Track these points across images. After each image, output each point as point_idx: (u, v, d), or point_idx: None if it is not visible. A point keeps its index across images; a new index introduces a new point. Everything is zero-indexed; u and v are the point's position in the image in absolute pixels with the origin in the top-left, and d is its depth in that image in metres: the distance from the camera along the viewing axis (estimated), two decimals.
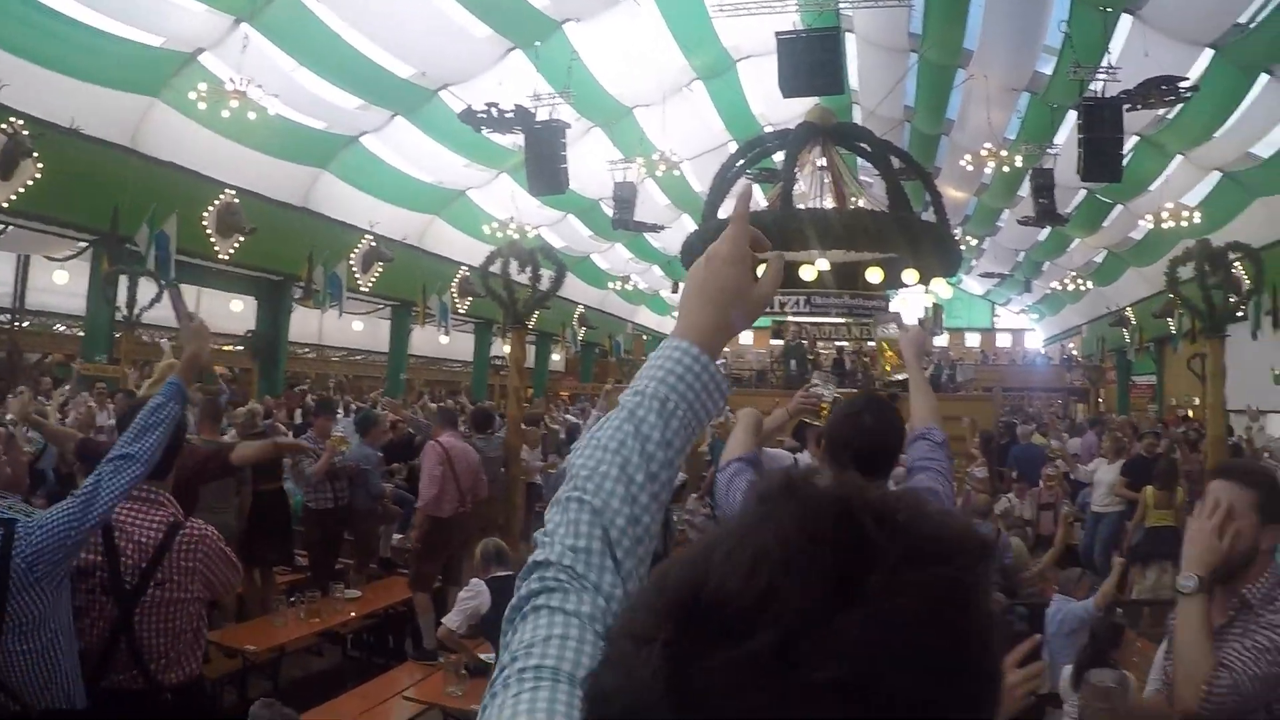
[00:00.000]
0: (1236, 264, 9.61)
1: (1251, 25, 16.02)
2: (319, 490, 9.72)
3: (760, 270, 1.49)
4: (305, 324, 23.50)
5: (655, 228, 25.20)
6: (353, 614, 8.55)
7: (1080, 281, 32.02)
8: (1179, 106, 17.27)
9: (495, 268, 10.49)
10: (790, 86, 15.85)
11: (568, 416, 18.57)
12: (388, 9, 15.94)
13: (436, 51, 17.49)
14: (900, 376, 15.11)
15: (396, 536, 11.54)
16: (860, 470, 3.26)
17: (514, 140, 18.53)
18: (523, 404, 11.06)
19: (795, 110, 15.68)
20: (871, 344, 22.23)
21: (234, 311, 20.61)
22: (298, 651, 8.34)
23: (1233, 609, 3.00)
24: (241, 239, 17.36)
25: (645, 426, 1.30)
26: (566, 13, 17.83)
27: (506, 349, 12.05)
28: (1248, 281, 10.76)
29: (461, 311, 25.09)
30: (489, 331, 26.81)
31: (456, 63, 18.06)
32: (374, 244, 21.23)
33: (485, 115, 16.83)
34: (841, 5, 17.79)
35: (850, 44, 20.57)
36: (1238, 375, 18.37)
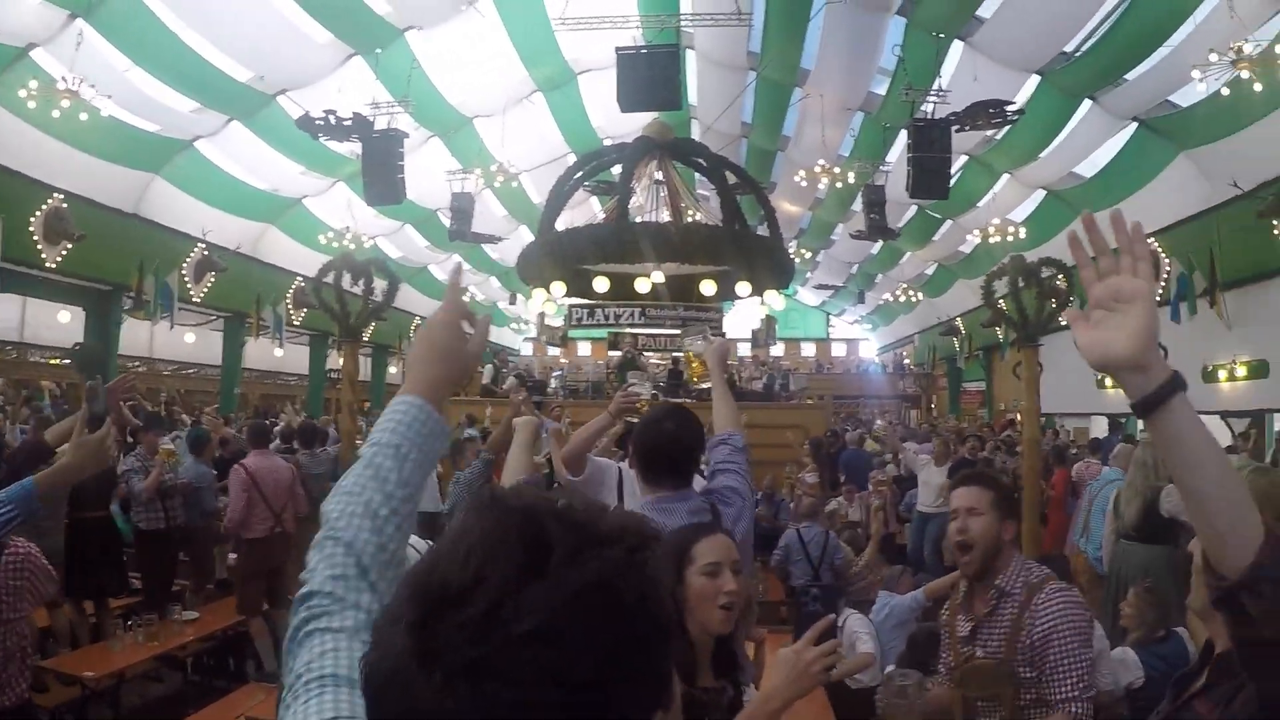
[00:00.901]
0: (1060, 278, 10.00)
1: (1077, 54, 16.78)
2: (149, 510, 9.45)
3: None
4: (135, 336, 22.60)
5: (493, 239, 25.02)
6: (191, 636, 8.31)
7: (912, 293, 33.06)
8: (1006, 128, 17.96)
9: (328, 280, 10.38)
10: (629, 101, 15.97)
11: None
12: (227, 10, 15.45)
13: (276, 55, 16.97)
14: (706, 385, 15.47)
15: (232, 556, 11.28)
16: (665, 472, 3.56)
17: (352, 148, 18.27)
18: (357, 418, 10.92)
19: (634, 124, 15.82)
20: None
21: (61, 323, 19.90)
22: (137, 677, 8.05)
23: (993, 599, 3.31)
24: (70, 246, 16.50)
25: (383, 470, 1.57)
26: (408, 20, 17.60)
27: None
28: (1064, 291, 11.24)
29: (296, 323, 24.40)
30: (325, 344, 26.17)
31: (296, 67, 17.60)
32: (207, 253, 20.35)
33: (323, 122, 16.49)
34: (682, 23, 18.05)
35: (690, 60, 20.85)
36: (1063, 380, 19.17)
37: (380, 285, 10.63)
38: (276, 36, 16.47)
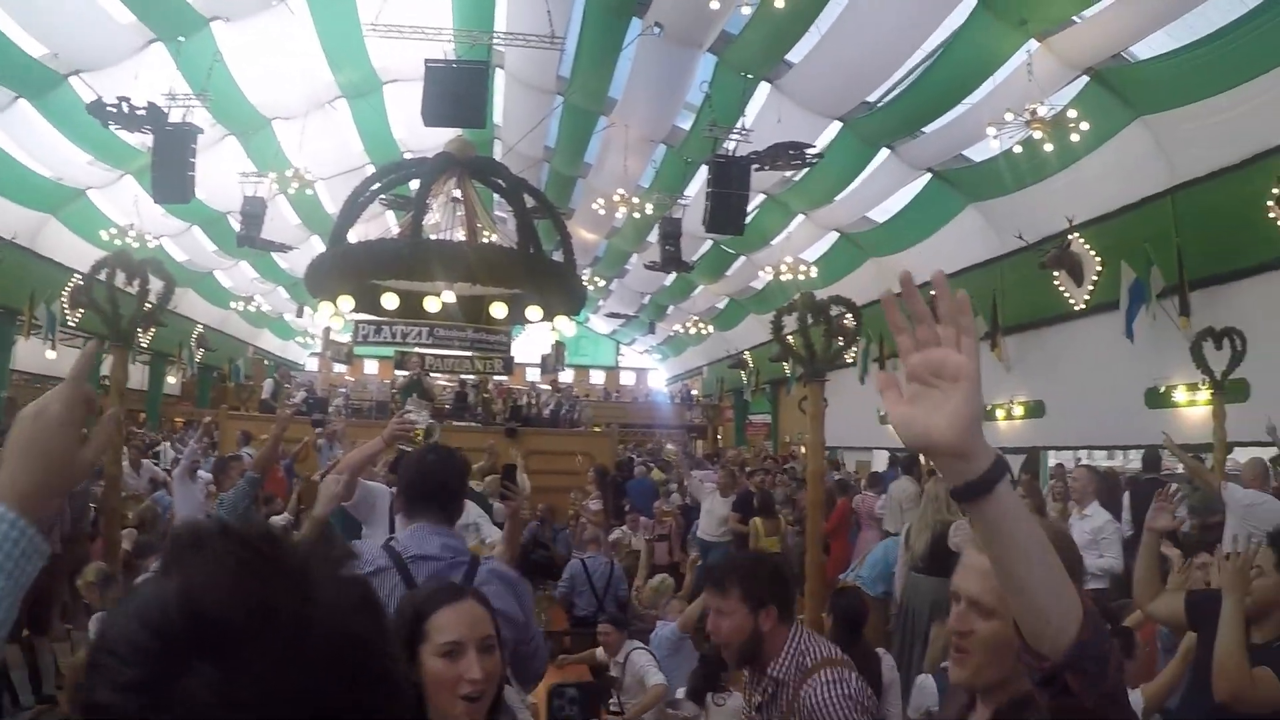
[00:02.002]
0: (848, 316, 10.17)
1: (878, 105, 17.27)
2: None
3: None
4: None
5: (283, 247, 23.88)
6: None
7: (702, 325, 33.55)
8: (805, 171, 18.38)
9: (101, 277, 9.84)
10: (433, 115, 15.74)
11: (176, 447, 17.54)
12: None
13: (73, 32, 15.91)
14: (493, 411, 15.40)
15: None
16: (426, 505, 3.46)
17: (143, 140, 17.18)
18: (124, 430, 10.37)
19: (437, 139, 15.56)
20: (501, 379, 22.37)
21: None
22: None
23: (768, 688, 3.19)
24: None
25: None
26: (216, 10, 16.80)
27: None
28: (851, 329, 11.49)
29: (72, 324, 22.50)
30: (101, 348, 24.64)
31: (93, 47, 16.58)
32: None
33: (115, 110, 15.44)
34: (495, 41, 17.90)
35: (499, 80, 20.69)
36: (846, 415, 19.65)
37: (157, 287, 10.13)
38: (75, 12, 15.41)
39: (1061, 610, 1.54)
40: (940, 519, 7.72)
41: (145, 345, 21.97)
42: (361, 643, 0.89)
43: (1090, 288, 15.80)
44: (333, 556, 0.94)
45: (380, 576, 3.07)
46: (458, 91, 15.71)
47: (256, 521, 1.05)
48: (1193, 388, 13.70)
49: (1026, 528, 1.50)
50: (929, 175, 18.31)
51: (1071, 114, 13.88)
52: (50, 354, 22.24)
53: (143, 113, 15.74)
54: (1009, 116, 13.95)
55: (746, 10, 15.56)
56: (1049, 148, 14.14)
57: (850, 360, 14.49)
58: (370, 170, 17.43)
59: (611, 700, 7.28)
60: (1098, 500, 8.91)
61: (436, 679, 2.35)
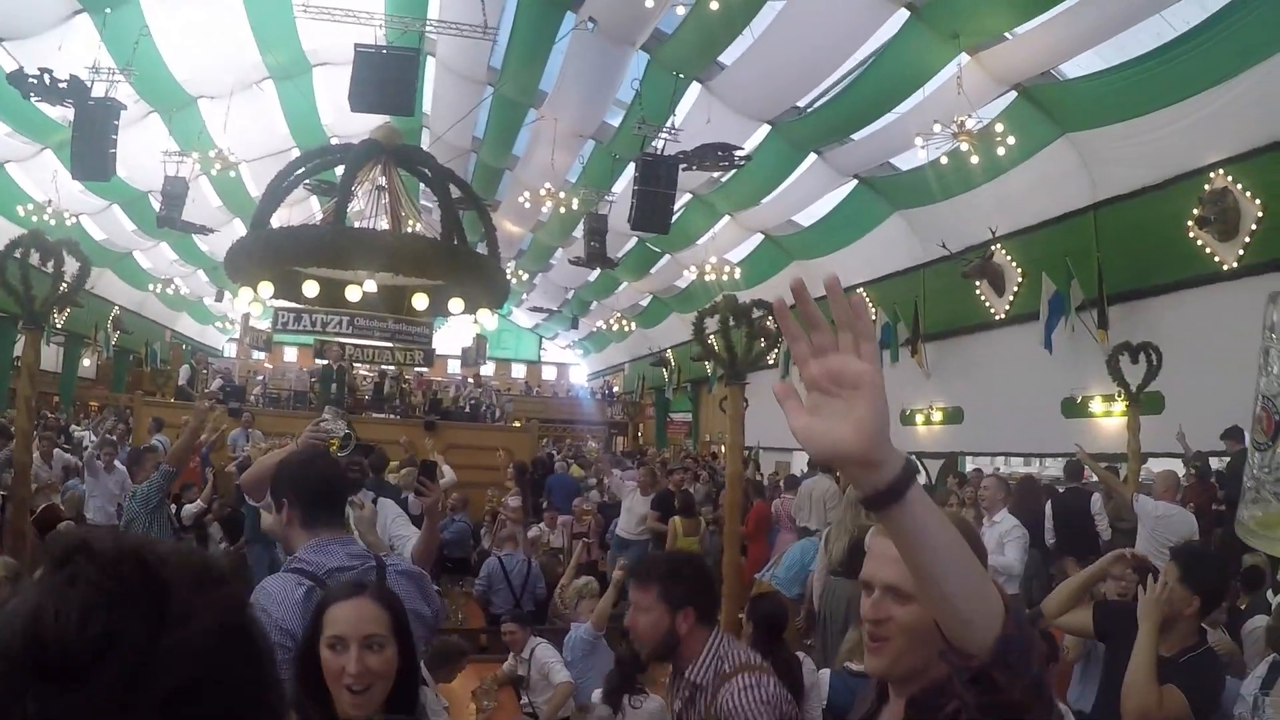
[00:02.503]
0: (769, 319, 10.20)
1: (808, 110, 17.37)
2: None
3: None
4: None
5: (204, 230, 23.26)
6: None
7: (625, 322, 33.64)
8: (732, 172, 18.43)
9: (15, 257, 9.60)
10: (361, 100, 15.58)
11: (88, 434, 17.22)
12: None
13: None
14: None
15: None
16: (325, 513, 3.40)
17: (64, 114, 16.83)
18: (35, 414, 10.10)
19: (364, 126, 15.39)
20: (421, 370, 22.21)
21: None
22: None
23: (686, 691, 3.15)
24: None
25: None
26: None
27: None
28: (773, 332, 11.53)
29: None
30: (11, 328, 23.97)
31: (16, 16, 16.06)
32: None
33: (36, 81, 15.09)
34: (427, 28, 17.74)
35: (429, 67, 20.53)
36: (766, 415, 19.67)
37: (72, 268, 9.91)
38: None
39: (985, 609, 1.51)
40: (859, 523, 7.75)
41: (60, 326, 21.51)
42: (218, 672, 0.88)
43: (1011, 298, 16.06)
44: (206, 579, 0.92)
45: (311, 596, 3.01)
46: (387, 78, 15.56)
47: (135, 537, 1.01)
48: (1109, 399, 13.96)
49: (942, 531, 1.46)
50: (855, 182, 18.49)
51: (999, 128, 14.10)
52: None
53: (65, 85, 15.37)
54: (937, 128, 14.11)
55: (681, 10, 15.59)
56: (975, 160, 14.34)
57: (772, 362, 14.54)
58: (296, 154, 17.15)
59: (522, 700, 7.25)
60: (1006, 508, 8.99)
61: (326, 669, 2.45)
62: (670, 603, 3.21)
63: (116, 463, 11.26)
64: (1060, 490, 11.72)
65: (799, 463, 22.45)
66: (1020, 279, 15.84)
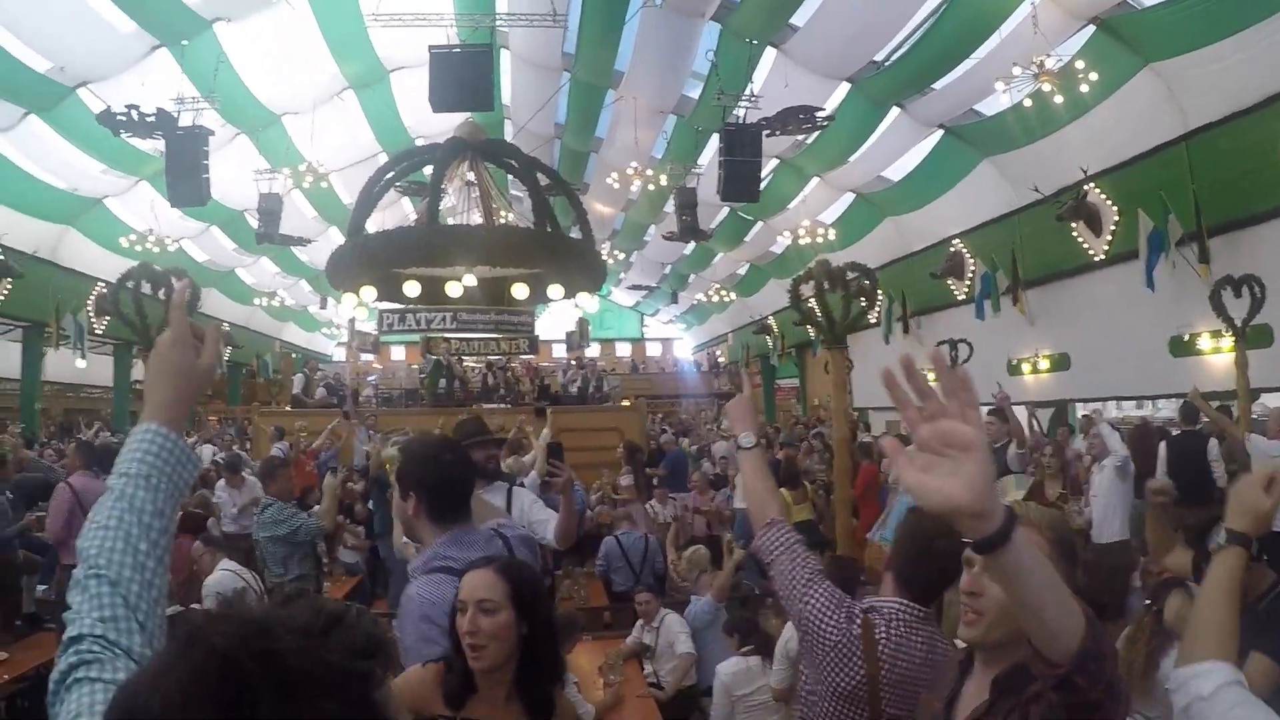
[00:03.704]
0: (863, 279, 10.18)
1: (886, 64, 17.22)
2: None
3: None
4: None
5: (302, 241, 24.12)
6: (5, 677, 7.67)
7: (725, 293, 33.55)
8: (816, 134, 18.33)
9: (129, 286, 9.95)
10: (441, 100, 15.75)
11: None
12: None
13: (76, 45, 16.06)
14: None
15: (41, 588, 10.64)
16: (455, 507, 3.49)
17: (155, 145, 17.31)
18: None
19: (448, 124, 15.58)
20: (527, 357, 22.43)
21: None
22: None
23: None
24: None
25: (137, 501, 1.51)
26: (217, 11, 16.85)
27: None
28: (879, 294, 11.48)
29: (99, 332, 22.85)
30: (129, 353, 24.60)
31: (97, 58, 16.68)
32: (2, 257, 18.77)
33: (125, 118, 15.57)
34: (497, 23, 17.88)
35: (504, 60, 20.67)
36: (875, 375, 19.60)
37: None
38: (77, 25, 15.53)
39: (1069, 627, 1.76)
40: None
41: None
42: None
43: (1109, 238, 15.72)
44: (326, 681, 0.93)
45: None
46: (464, 76, 15.72)
47: (262, 626, 1.08)
48: (1216, 335, 13.52)
49: (1038, 564, 1.70)
50: (941, 132, 18.28)
51: (1079, 64, 13.83)
52: (80, 363, 22.44)
53: (152, 119, 15.84)
54: (1016, 70, 13.92)
55: None
56: (1059, 99, 14.09)
57: (874, 321, 14.52)
58: (383, 159, 17.39)
59: (646, 671, 7.38)
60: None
61: (458, 629, 2.78)
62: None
63: (246, 474, 11.57)
64: (1175, 434, 11.45)
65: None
66: (1117, 217, 15.49)
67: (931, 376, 1.66)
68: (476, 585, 2.79)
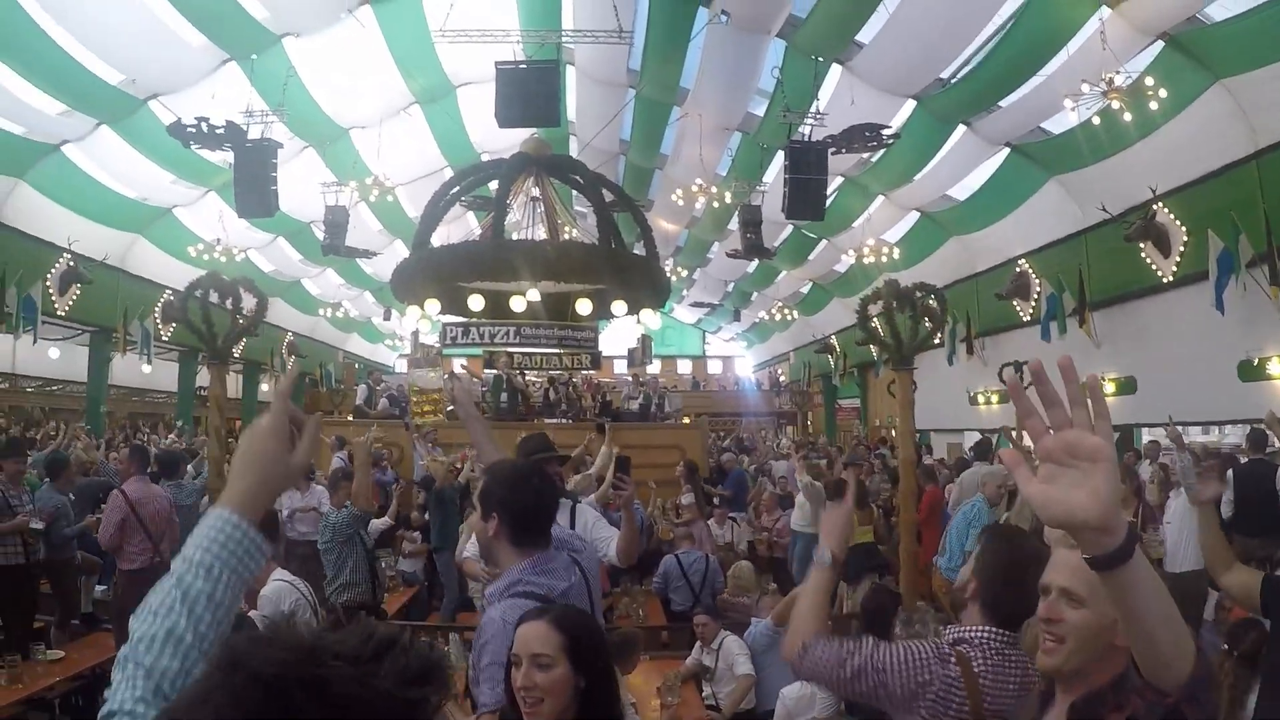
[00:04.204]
0: (931, 299, 10.10)
1: (952, 81, 17.09)
2: (7, 544, 8.89)
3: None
4: None
5: (367, 254, 24.40)
6: (58, 676, 7.74)
7: (787, 311, 33.35)
8: (881, 151, 18.24)
9: (196, 295, 10.05)
10: (507, 116, 15.83)
11: None
12: (99, 8, 14.69)
13: (148, 58, 16.27)
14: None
15: (100, 588, 10.77)
16: (538, 532, 3.45)
17: (224, 157, 17.54)
18: (226, 442, 10.51)
19: (513, 139, 15.64)
20: (588, 372, 22.42)
21: None
22: None
23: None
24: None
25: (193, 591, 1.50)
26: (286, 26, 17.10)
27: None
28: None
29: (165, 339, 23.42)
30: (194, 361, 25.12)
31: (168, 71, 16.92)
32: (72, 264, 19.20)
33: (195, 130, 15.77)
34: (563, 39, 17.97)
35: (570, 76, 20.75)
36: (935, 396, 19.51)
37: (249, 303, 10.32)
38: (149, 38, 15.75)
39: (1181, 653, 1.72)
40: (1025, 516, 7.73)
41: (238, 355, 22.37)
42: None
43: (1177, 259, 15.46)
44: (379, 685, 0.93)
45: None
46: (530, 91, 15.80)
47: (308, 651, 1.08)
48: None
49: (1155, 585, 1.63)
50: (1008, 150, 18.08)
51: (1149, 81, 13.64)
52: (146, 368, 22.89)
53: (222, 131, 16.05)
54: (1085, 87, 13.74)
55: None
56: (1128, 117, 13.91)
57: (937, 342, 14.38)
58: (449, 174, 17.53)
59: (704, 692, 7.34)
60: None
61: (513, 681, 2.72)
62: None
63: (313, 484, 11.65)
64: (1242, 461, 11.17)
65: (970, 444, 22.20)
66: (1186, 238, 15.23)
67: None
68: (531, 638, 2.72)
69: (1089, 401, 1.56)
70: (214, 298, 10.00)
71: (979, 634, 2.87)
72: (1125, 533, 1.53)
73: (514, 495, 3.43)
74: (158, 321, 22.67)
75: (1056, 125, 16.82)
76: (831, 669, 2.87)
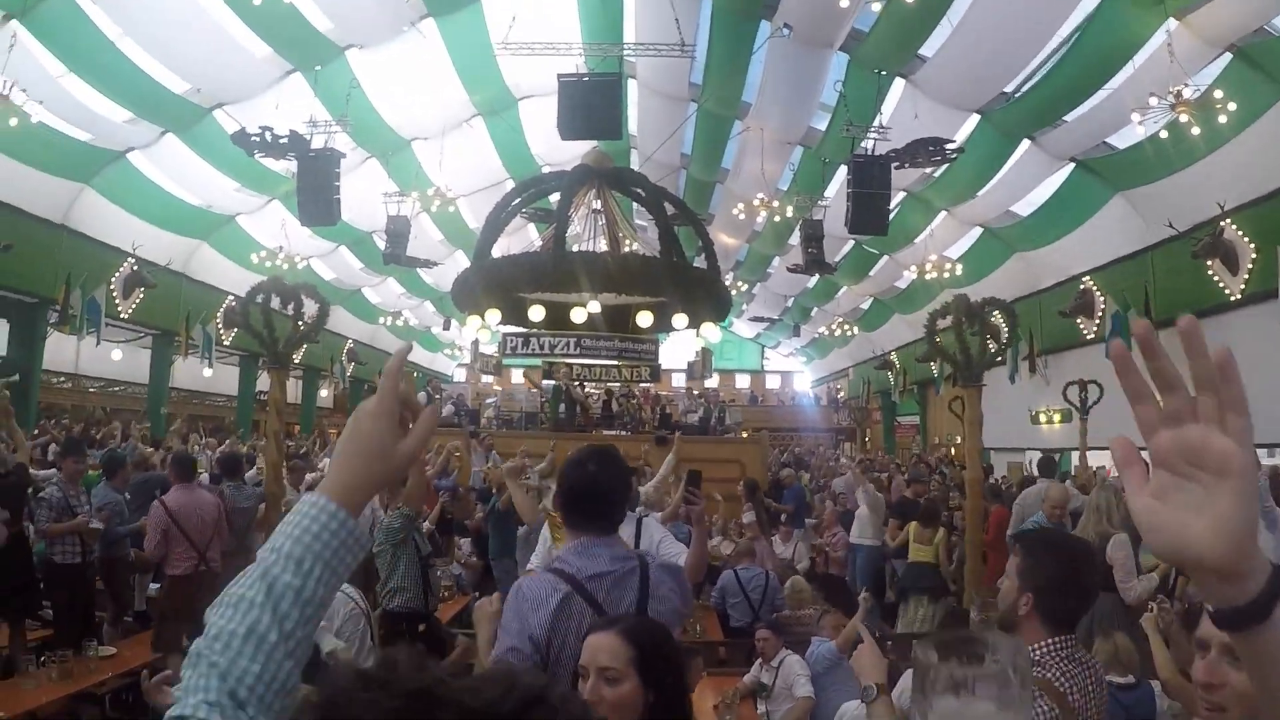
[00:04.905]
0: (995, 315, 10.01)
1: (1016, 95, 16.94)
2: (64, 542, 8.94)
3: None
4: (61, 351, 21.81)
5: (428, 263, 24.54)
6: (109, 673, 7.74)
7: (847, 327, 33.22)
8: (945, 166, 18.09)
9: (258, 301, 10.14)
10: (569, 129, 15.87)
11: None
12: (166, 19, 14.94)
13: (213, 68, 16.56)
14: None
15: (153, 586, 10.82)
16: (588, 516, 3.41)
17: (287, 166, 17.87)
18: (283, 446, 10.56)
19: (574, 152, 15.71)
20: (647, 385, 22.39)
21: None
22: (51, 716, 7.57)
23: None
24: None
25: (279, 586, 1.32)
26: (350, 39, 17.37)
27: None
28: (1005, 331, 11.24)
29: (226, 343, 23.79)
30: (255, 365, 25.09)
31: (233, 81, 17.20)
32: (136, 268, 19.66)
33: (259, 139, 16.03)
34: (625, 52, 18.00)
35: (631, 90, 20.78)
36: (997, 415, 19.31)
37: (310, 309, 10.38)
38: (215, 49, 16.04)
39: None
40: (1101, 531, 7.58)
41: (298, 360, 22.60)
42: None
43: (1245, 276, 15.21)
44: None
45: (568, 604, 3.10)
46: (591, 104, 15.82)
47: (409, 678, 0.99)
48: None
49: None
50: (1072, 165, 17.87)
51: (1217, 94, 13.42)
52: (207, 372, 23.27)
53: (285, 141, 16.26)
54: (1153, 100, 13.55)
55: (876, 6, 15.34)
56: (1196, 130, 13.68)
57: (1000, 361, 14.22)
58: (510, 185, 17.58)
59: (760, 710, 7.26)
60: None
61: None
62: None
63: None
64: None
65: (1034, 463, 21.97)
66: (1254, 255, 14.99)
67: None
68: (598, 650, 2.59)
69: (1223, 386, 1.05)
70: (275, 303, 10.07)
71: (1048, 649, 2.77)
72: (1265, 580, 1.03)
73: (570, 477, 3.47)
74: (219, 326, 22.98)
75: (1122, 140, 16.62)
76: None
